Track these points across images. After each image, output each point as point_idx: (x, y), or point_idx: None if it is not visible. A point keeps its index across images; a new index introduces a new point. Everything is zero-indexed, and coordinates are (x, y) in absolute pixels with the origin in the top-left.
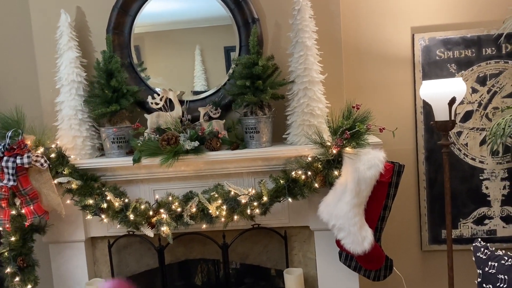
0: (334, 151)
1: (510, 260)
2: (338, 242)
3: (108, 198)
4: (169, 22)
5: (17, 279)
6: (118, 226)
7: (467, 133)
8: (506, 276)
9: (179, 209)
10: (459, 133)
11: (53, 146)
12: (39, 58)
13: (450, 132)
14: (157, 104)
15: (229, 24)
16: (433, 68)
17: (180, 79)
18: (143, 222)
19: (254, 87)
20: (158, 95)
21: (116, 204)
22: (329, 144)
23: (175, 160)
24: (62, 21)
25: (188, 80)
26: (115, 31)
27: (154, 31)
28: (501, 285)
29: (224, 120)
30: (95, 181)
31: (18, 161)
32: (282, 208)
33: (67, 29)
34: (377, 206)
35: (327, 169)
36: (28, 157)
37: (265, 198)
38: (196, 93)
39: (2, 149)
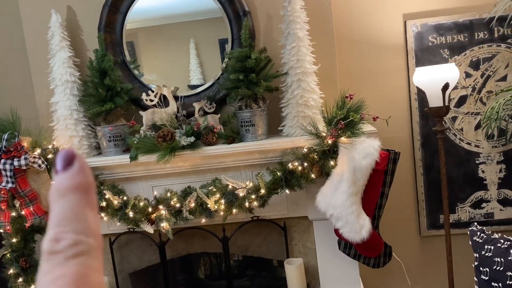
0: (330, 142)
1: (506, 243)
2: (336, 231)
3: (107, 196)
4: (162, 17)
5: (20, 280)
6: (118, 223)
7: (462, 118)
8: (502, 259)
9: (178, 205)
10: (454, 118)
11: (50, 147)
12: (32, 59)
13: (444, 117)
14: (151, 101)
15: (222, 16)
16: (426, 54)
17: (175, 73)
18: (143, 219)
19: (248, 80)
20: (153, 91)
21: (115, 202)
22: (324, 134)
23: (172, 156)
24: (53, 21)
25: (183, 75)
26: (107, 29)
27: (147, 26)
28: (497, 268)
29: (219, 115)
30: None
31: (16, 163)
32: (280, 199)
33: (59, 29)
34: (374, 194)
35: (323, 159)
36: (25, 158)
37: (263, 191)
38: (192, 87)
39: None
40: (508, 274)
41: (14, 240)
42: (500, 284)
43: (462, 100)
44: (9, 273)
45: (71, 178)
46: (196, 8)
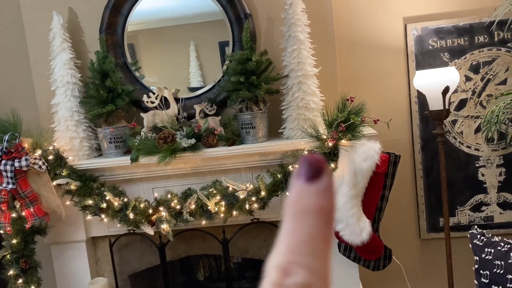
0: (330, 144)
1: (506, 246)
2: (336, 234)
3: (107, 198)
4: (162, 19)
5: (20, 281)
6: (119, 225)
7: (462, 121)
8: (502, 262)
9: (178, 206)
10: (454, 122)
11: (50, 148)
12: (33, 61)
13: (444, 121)
14: (152, 102)
15: (223, 19)
16: (427, 58)
17: (175, 76)
18: (143, 221)
19: (249, 83)
20: (154, 93)
21: (116, 203)
22: (324, 137)
23: (172, 158)
24: (55, 23)
25: (183, 77)
26: (108, 31)
27: (147, 28)
28: (497, 271)
29: (220, 117)
30: (93, 182)
31: (16, 164)
32: (281, 201)
33: (60, 31)
34: (374, 197)
35: None
36: (26, 160)
37: (263, 193)
38: (192, 89)
39: (0, 153)
40: (509, 277)
41: (14, 241)
42: (500, 287)
43: (462, 104)
44: (9, 274)
45: (318, 197)
46: (197, 11)
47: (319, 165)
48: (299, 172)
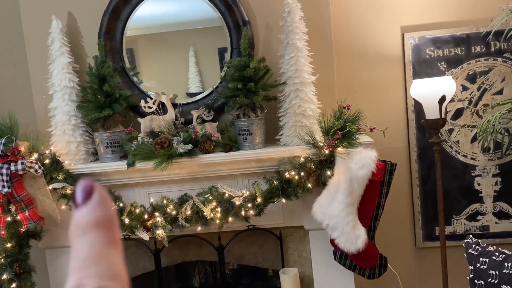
0: (327, 151)
1: (501, 255)
2: (332, 241)
3: None
4: (162, 25)
5: (13, 285)
6: None
7: (458, 130)
8: (497, 272)
9: (174, 212)
10: (450, 131)
11: (47, 152)
12: (31, 64)
13: (441, 130)
14: (150, 108)
15: (222, 25)
16: (423, 67)
17: (174, 81)
18: (138, 226)
19: (246, 89)
20: (151, 99)
21: None
22: (321, 144)
23: (169, 163)
24: (54, 27)
25: (182, 82)
26: (107, 36)
27: (147, 33)
28: (492, 281)
29: (217, 123)
30: None
31: (12, 167)
32: (277, 208)
33: (59, 35)
34: (370, 205)
35: (320, 169)
36: (22, 163)
37: (259, 199)
38: (190, 95)
39: None
40: (503, 287)
41: (8, 245)
42: None
43: (458, 113)
44: (2, 278)
45: (91, 212)
46: (196, 17)
47: (87, 187)
48: (74, 199)
